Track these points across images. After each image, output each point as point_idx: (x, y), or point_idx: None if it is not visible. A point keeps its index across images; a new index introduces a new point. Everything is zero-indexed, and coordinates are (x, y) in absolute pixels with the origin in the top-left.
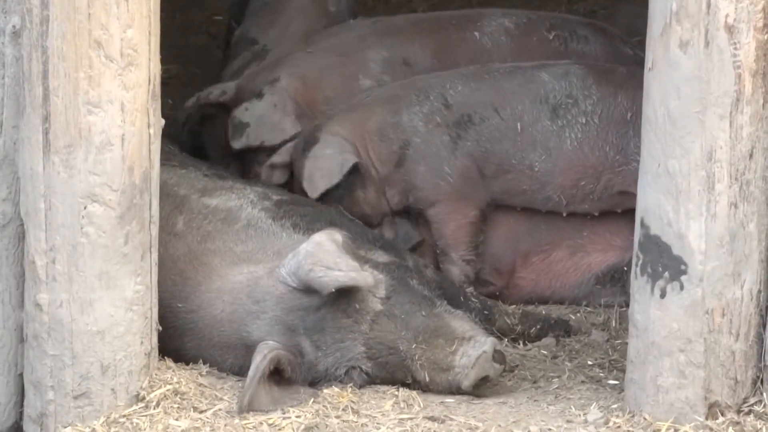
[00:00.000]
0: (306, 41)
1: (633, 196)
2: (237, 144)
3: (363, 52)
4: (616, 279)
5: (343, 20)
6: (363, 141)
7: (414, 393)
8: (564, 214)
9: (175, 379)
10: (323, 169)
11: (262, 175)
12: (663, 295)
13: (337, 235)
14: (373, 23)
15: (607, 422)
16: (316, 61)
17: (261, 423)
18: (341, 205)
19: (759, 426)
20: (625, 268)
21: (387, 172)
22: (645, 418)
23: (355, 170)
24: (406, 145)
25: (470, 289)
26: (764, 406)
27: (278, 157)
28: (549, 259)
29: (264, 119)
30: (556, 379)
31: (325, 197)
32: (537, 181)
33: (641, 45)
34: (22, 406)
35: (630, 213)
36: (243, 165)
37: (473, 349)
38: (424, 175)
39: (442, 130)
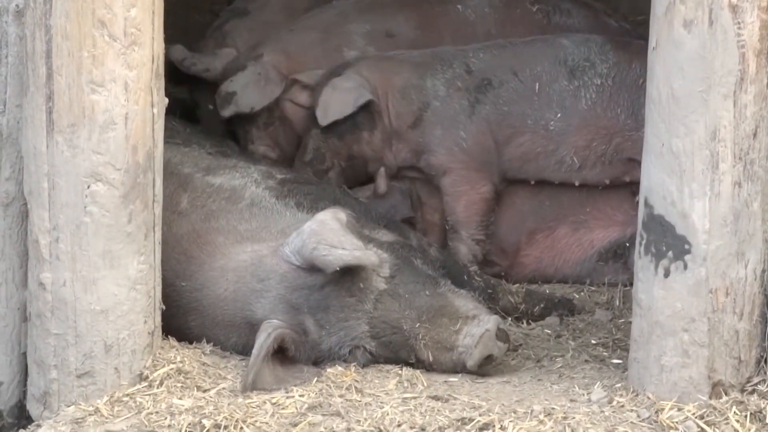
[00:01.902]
0: (286, 12)
1: (640, 165)
2: (226, 112)
3: (345, 26)
4: (619, 255)
5: None
6: (385, 91)
7: (417, 372)
8: (576, 183)
9: (179, 358)
10: (339, 100)
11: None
12: (667, 274)
13: (341, 214)
14: (355, 2)
15: (610, 401)
16: (299, 37)
17: (264, 402)
18: (343, 139)
19: (762, 405)
20: (627, 245)
21: (400, 129)
22: (648, 397)
23: (366, 111)
24: (425, 107)
25: (474, 268)
26: None
27: (304, 77)
28: (553, 236)
29: (250, 86)
30: (560, 359)
31: (330, 128)
32: (552, 141)
33: (646, 24)
34: (25, 385)
35: (630, 187)
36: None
37: (477, 328)
38: (439, 139)
39: (462, 95)
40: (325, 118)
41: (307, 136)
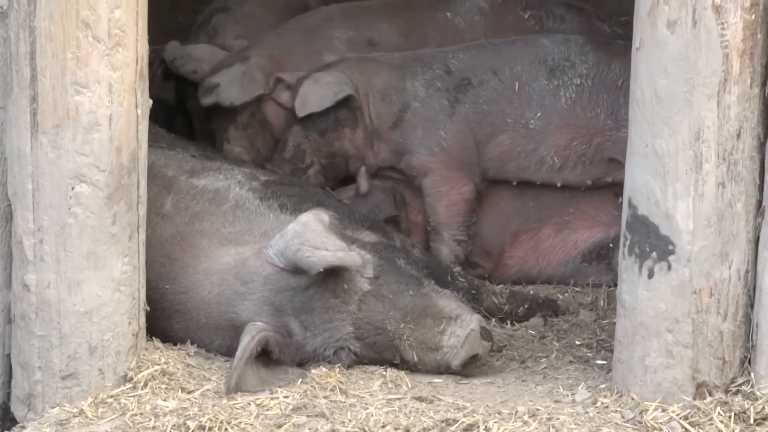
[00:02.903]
0: (265, 6)
1: (621, 165)
2: (207, 100)
3: (328, 31)
4: (602, 256)
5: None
6: (366, 91)
7: (402, 373)
8: (558, 184)
9: (163, 360)
10: (318, 92)
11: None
12: (651, 275)
13: (324, 215)
14: (342, 7)
15: (594, 402)
16: (284, 40)
17: (249, 403)
18: (324, 136)
19: (746, 406)
20: (611, 245)
21: (380, 129)
22: (633, 398)
23: (349, 107)
24: (405, 108)
25: (458, 269)
26: (752, 386)
27: (288, 76)
28: (536, 237)
29: (234, 81)
30: (544, 359)
31: (310, 122)
32: (532, 140)
33: (629, 25)
34: (9, 386)
35: (613, 188)
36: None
37: (461, 328)
38: (420, 139)
39: (442, 95)
40: (303, 109)
41: (287, 133)
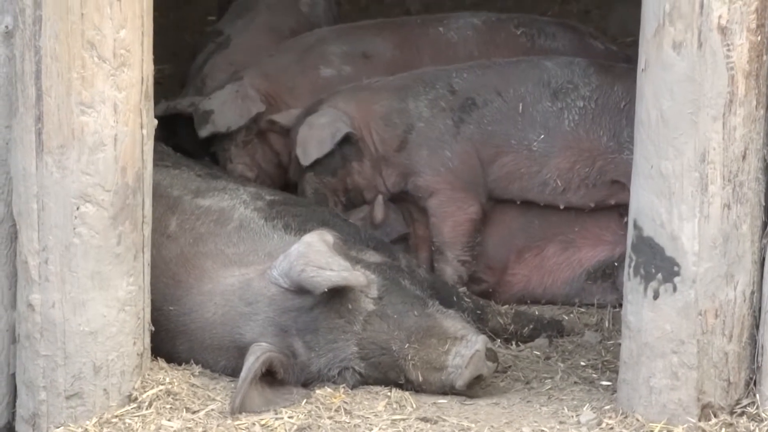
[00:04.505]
0: (271, 33)
1: (625, 187)
2: (204, 132)
3: (323, 47)
4: (607, 275)
5: (319, 23)
6: (366, 120)
7: (407, 394)
8: (561, 207)
9: (168, 380)
10: (316, 137)
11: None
12: (656, 296)
13: (328, 236)
14: (335, 27)
15: (599, 423)
16: (277, 59)
17: (253, 424)
18: (335, 175)
19: (752, 428)
20: (616, 264)
21: (386, 154)
22: (637, 420)
23: (351, 142)
24: (410, 129)
25: (463, 289)
26: (757, 408)
27: (281, 118)
28: (541, 255)
29: (227, 104)
30: (549, 380)
31: (320, 166)
32: (535, 162)
33: (634, 46)
34: (14, 406)
35: (618, 208)
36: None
37: (466, 348)
38: (426, 160)
39: (446, 115)
40: (305, 157)
41: (302, 181)
